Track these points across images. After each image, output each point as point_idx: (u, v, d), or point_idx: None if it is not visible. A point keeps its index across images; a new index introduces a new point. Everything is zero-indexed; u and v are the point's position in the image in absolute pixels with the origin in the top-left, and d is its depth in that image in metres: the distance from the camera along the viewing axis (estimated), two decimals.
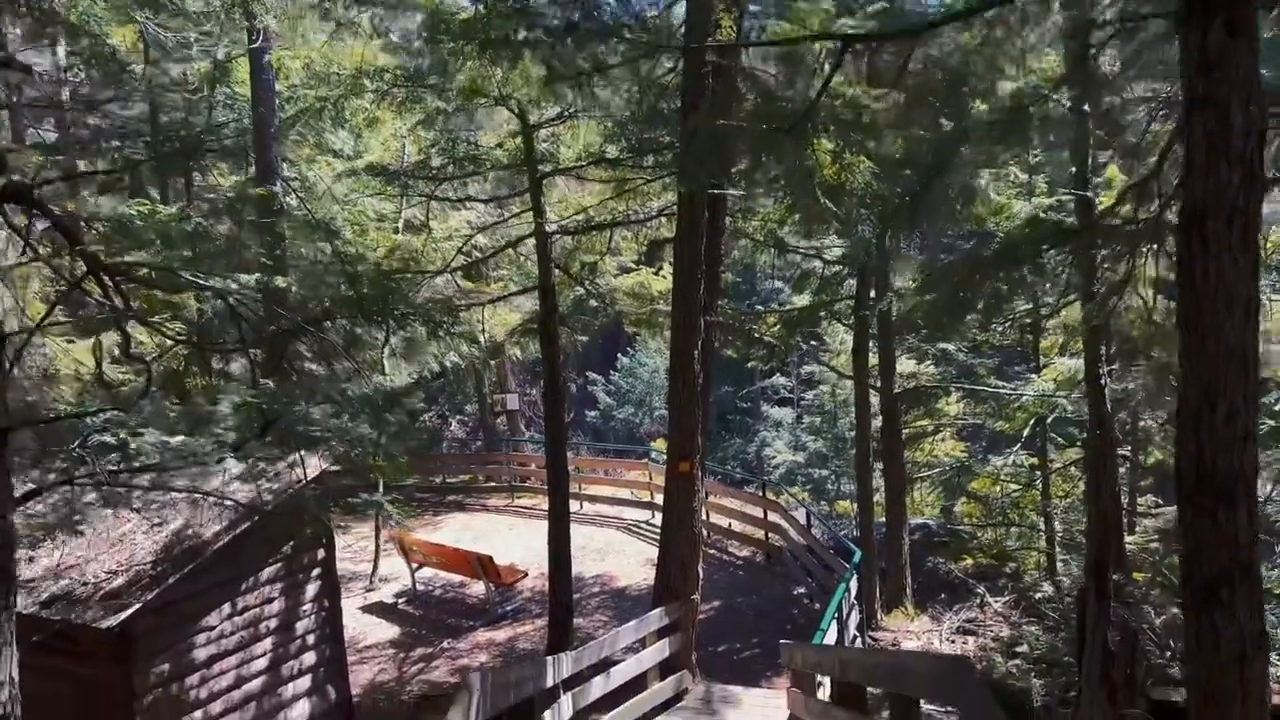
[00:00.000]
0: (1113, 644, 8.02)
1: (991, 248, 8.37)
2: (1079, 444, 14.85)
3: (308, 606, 10.68)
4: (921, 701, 4.39)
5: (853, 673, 4.94)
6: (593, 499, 19.49)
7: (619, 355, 33.26)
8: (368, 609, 14.36)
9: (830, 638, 8.80)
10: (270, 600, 10.18)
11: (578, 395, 37.26)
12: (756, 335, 12.73)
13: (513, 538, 17.58)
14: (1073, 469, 16.06)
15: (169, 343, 8.14)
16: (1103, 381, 8.53)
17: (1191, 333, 4.22)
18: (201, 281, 7.38)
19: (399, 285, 10.69)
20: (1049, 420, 14.47)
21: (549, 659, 6.16)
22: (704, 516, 13.84)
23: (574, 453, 24.78)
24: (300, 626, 10.58)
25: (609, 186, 12.12)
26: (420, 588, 14.91)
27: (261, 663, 10.04)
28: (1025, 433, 16.64)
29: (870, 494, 11.62)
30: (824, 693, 7.98)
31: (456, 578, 14.89)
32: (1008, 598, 11.95)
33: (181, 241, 8.28)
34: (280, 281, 9.40)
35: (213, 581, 9.49)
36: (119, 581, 8.86)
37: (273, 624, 10.18)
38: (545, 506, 20.45)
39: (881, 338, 11.69)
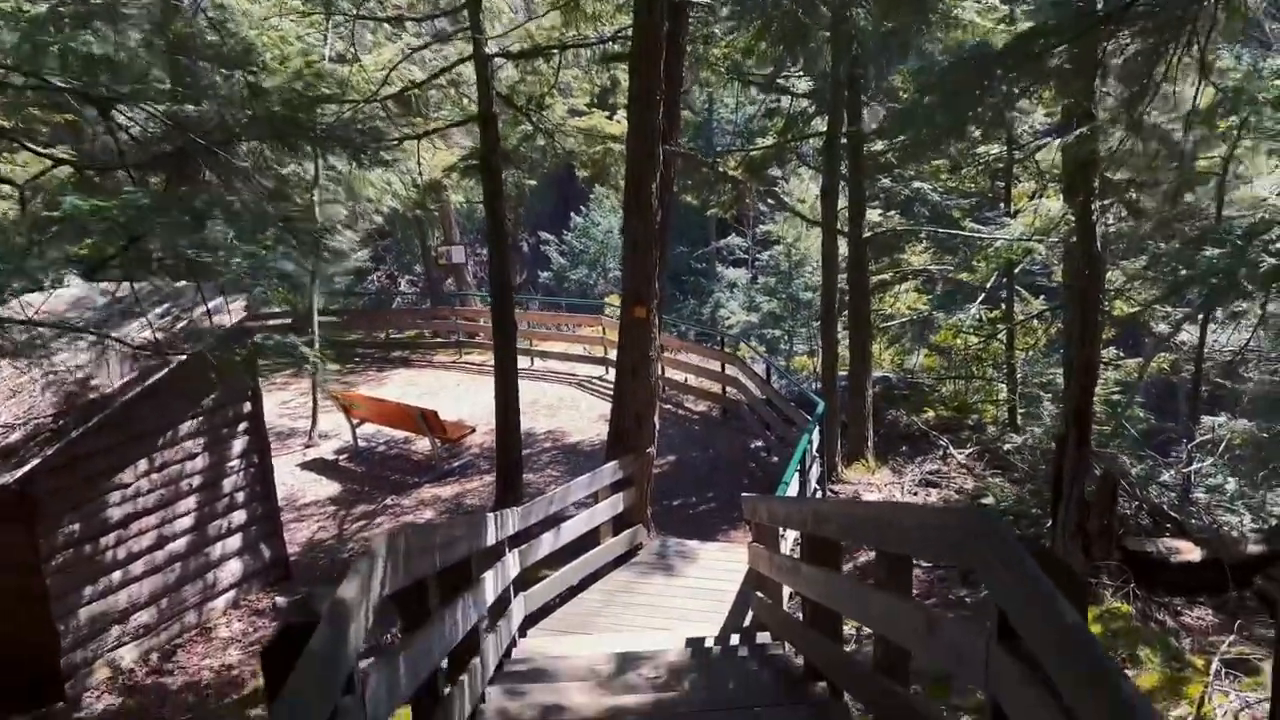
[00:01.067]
0: (1088, 494, 7.64)
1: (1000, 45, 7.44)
2: (1060, 289, 14.40)
3: (235, 463, 9.97)
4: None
5: (831, 528, 4.34)
6: (544, 355, 18.80)
7: (572, 214, 32.32)
8: (307, 466, 13.72)
9: (793, 490, 8.32)
10: (192, 456, 9.44)
11: (530, 255, 36.48)
12: (720, 170, 11.76)
13: (460, 394, 16.92)
14: (1035, 322, 15.67)
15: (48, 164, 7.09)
16: (1094, 218, 7.84)
17: None
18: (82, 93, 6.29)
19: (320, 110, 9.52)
20: (1016, 269, 13.92)
21: (490, 515, 5.52)
22: (660, 371, 13.27)
23: (525, 308, 24.00)
24: (228, 484, 9.90)
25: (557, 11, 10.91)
26: (362, 444, 14.26)
27: (186, 521, 9.38)
28: (989, 284, 16.16)
29: (834, 344, 11.04)
30: (788, 548, 7.53)
31: (400, 434, 14.25)
32: (971, 450, 11.63)
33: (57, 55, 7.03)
34: (191, 108, 8.20)
35: (125, 436, 8.70)
36: (16, 436, 8.02)
37: (196, 481, 9.48)
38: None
39: (852, 179, 10.85)
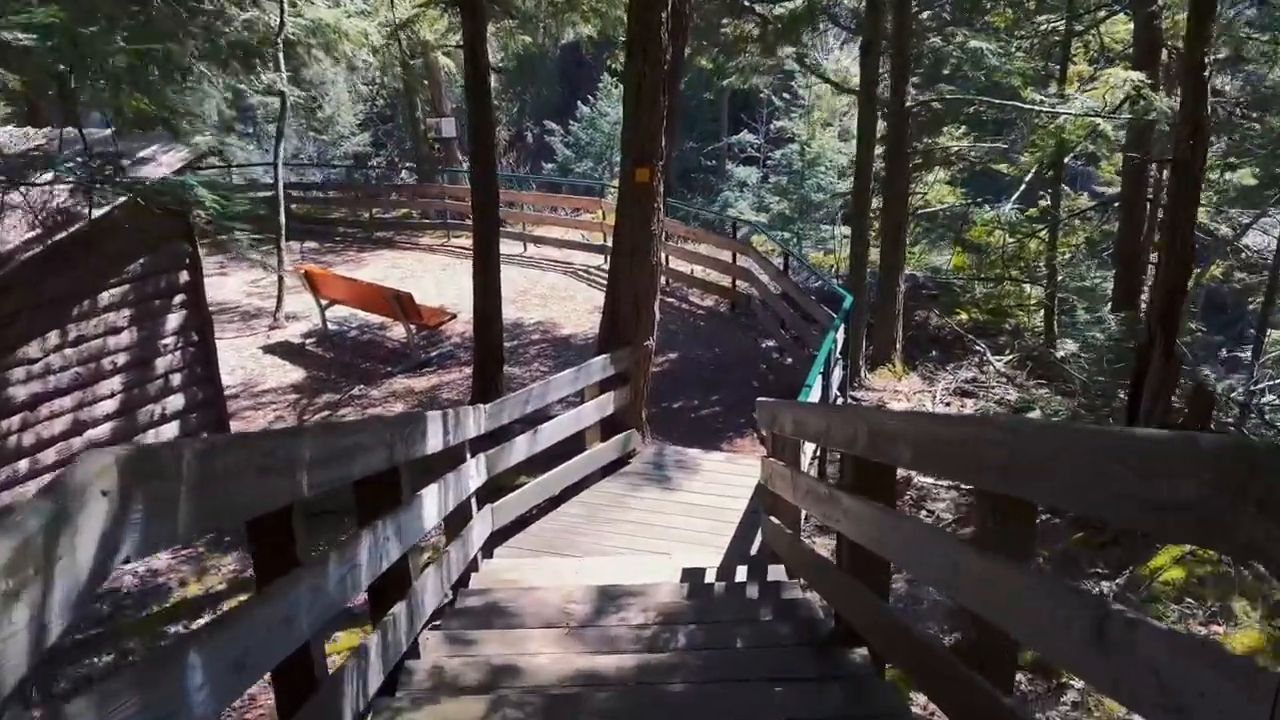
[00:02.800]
0: (1177, 412, 6.32)
1: None
2: (1105, 186, 12.85)
3: (170, 340, 8.67)
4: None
5: (899, 450, 3.03)
6: (539, 241, 17.33)
7: (578, 104, 30.77)
8: (270, 349, 12.43)
9: (815, 395, 7.02)
10: (116, 330, 8.13)
11: (534, 146, 35.89)
12: (747, 4, 10.03)
13: (445, 278, 15.53)
14: (1077, 221, 14.11)
15: None
16: (1207, 72, 6.31)
17: None
18: None
19: None
20: (1068, 157, 12.32)
21: (433, 414, 4.22)
22: (663, 257, 11.84)
23: (519, 188, 22.37)
24: (161, 364, 8.61)
25: None
26: (333, 328, 12.94)
27: (108, 405, 8.13)
28: (1029, 176, 14.57)
29: (866, 230, 9.54)
30: (807, 463, 6.29)
31: (376, 318, 12.92)
32: (1011, 357, 10.31)
33: None
34: None
35: (27, 303, 7.37)
36: None
37: (121, 359, 8.19)
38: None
39: (895, 37, 9.19)
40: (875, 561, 3.59)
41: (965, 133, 14.08)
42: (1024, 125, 10.94)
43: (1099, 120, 9.36)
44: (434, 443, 4.25)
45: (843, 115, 28.66)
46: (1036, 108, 9.15)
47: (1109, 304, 13.54)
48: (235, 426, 10.26)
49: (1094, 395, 8.34)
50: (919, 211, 13.14)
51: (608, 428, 7.47)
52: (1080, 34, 12.48)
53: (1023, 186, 16.62)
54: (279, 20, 11.89)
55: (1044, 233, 13.29)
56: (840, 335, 8.19)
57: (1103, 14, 11.98)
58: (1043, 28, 11.68)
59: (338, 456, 2.74)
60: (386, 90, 31.28)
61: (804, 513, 5.36)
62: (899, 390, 9.77)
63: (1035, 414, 8.57)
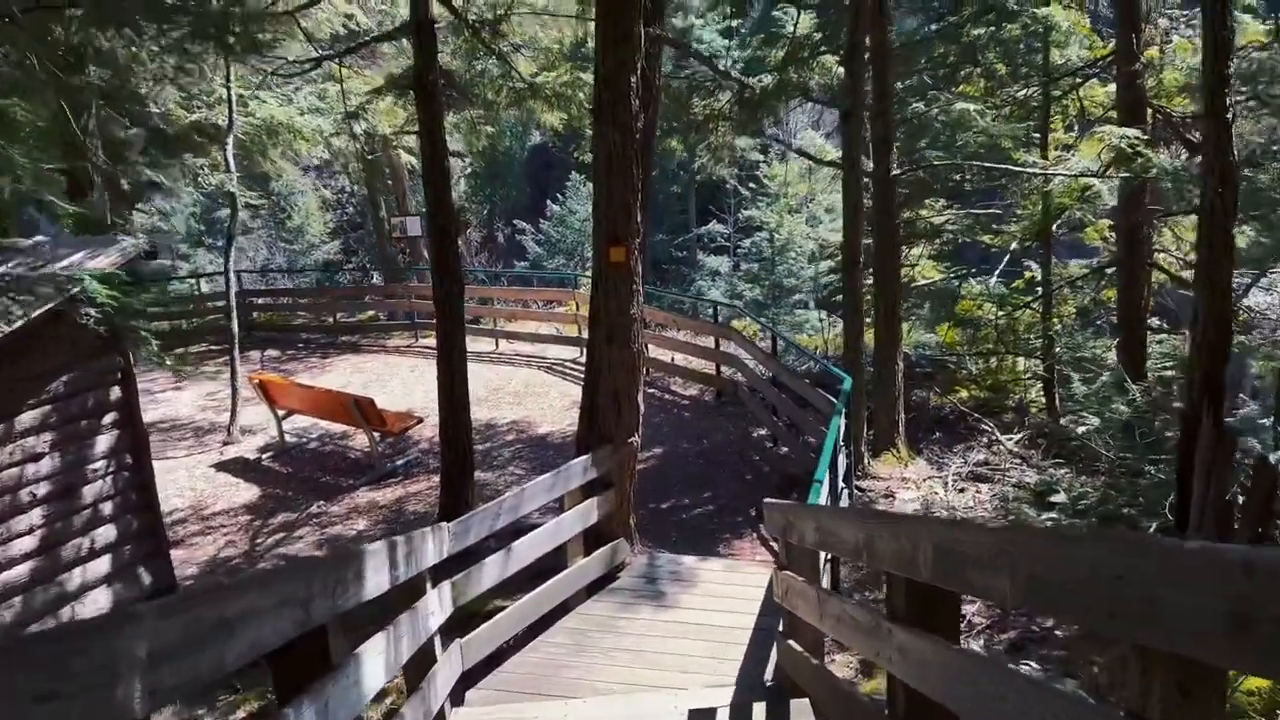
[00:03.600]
0: (1232, 490, 5.57)
1: None
2: (1097, 249, 12.39)
3: (99, 465, 7.76)
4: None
5: (997, 578, 2.24)
6: (511, 337, 16.63)
7: (548, 203, 31.59)
8: (223, 466, 11.50)
9: (824, 491, 6.22)
10: (36, 457, 7.22)
11: (505, 245, 36.01)
12: (721, 70, 9.50)
13: (413, 380, 14.73)
14: (1067, 290, 13.59)
15: None
16: (1230, 114, 5.76)
17: None
18: None
19: None
20: (1060, 221, 11.85)
21: (376, 549, 3.39)
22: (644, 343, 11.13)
23: (489, 282, 21.81)
24: (90, 492, 7.68)
25: None
26: (292, 439, 12.05)
27: (28, 542, 7.16)
28: (1014, 246, 14.15)
29: (859, 303, 8.86)
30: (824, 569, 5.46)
31: (338, 427, 12.05)
32: (1021, 435, 9.58)
33: None
34: None
35: None
36: None
37: (42, 490, 7.25)
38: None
39: (876, 102, 8.69)
40: (944, 717, 2.75)
41: (945, 205, 13.68)
42: (1015, 190, 10.47)
43: (1094, 181, 8.86)
44: (376, 583, 3.39)
45: (810, 201, 29.05)
46: (1029, 170, 8.63)
47: (1107, 373, 12.97)
48: (179, 555, 9.30)
49: (1119, 474, 7.61)
50: (911, 286, 12.59)
51: (592, 539, 6.59)
52: (1058, 99, 12.17)
53: (1006, 257, 16.23)
54: (228, 120, 11.32)
55: (1036, 303, 12.76)
56: (842, 421, 7.43)
57: (1078, 79, 11.66)
58: (1019, 94, 11.31)
59: (207, 638, 1.90)
60: (356, 198, 31.24)
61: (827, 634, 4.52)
62: (906, 478, 8.99)
63: (1059, 497, 7.79)
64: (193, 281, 23.74)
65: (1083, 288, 13.50)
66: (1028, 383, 13.52)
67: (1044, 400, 12.76)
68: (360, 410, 10.49)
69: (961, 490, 8.62)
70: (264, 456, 11.75)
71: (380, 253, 21.94)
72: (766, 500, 5.52)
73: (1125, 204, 10.55)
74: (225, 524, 10.05)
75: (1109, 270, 11.85)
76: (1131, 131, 8.68)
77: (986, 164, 10.07)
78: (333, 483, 10.84)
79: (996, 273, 16.41)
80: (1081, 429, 8.00)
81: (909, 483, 8.95)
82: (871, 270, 9.20)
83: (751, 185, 28.56)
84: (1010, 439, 9.57)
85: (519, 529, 6.02)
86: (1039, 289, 14.30)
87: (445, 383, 8.40)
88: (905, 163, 9.99)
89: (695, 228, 32.22)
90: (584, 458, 6.38)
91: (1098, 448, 7.84)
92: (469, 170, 36.91)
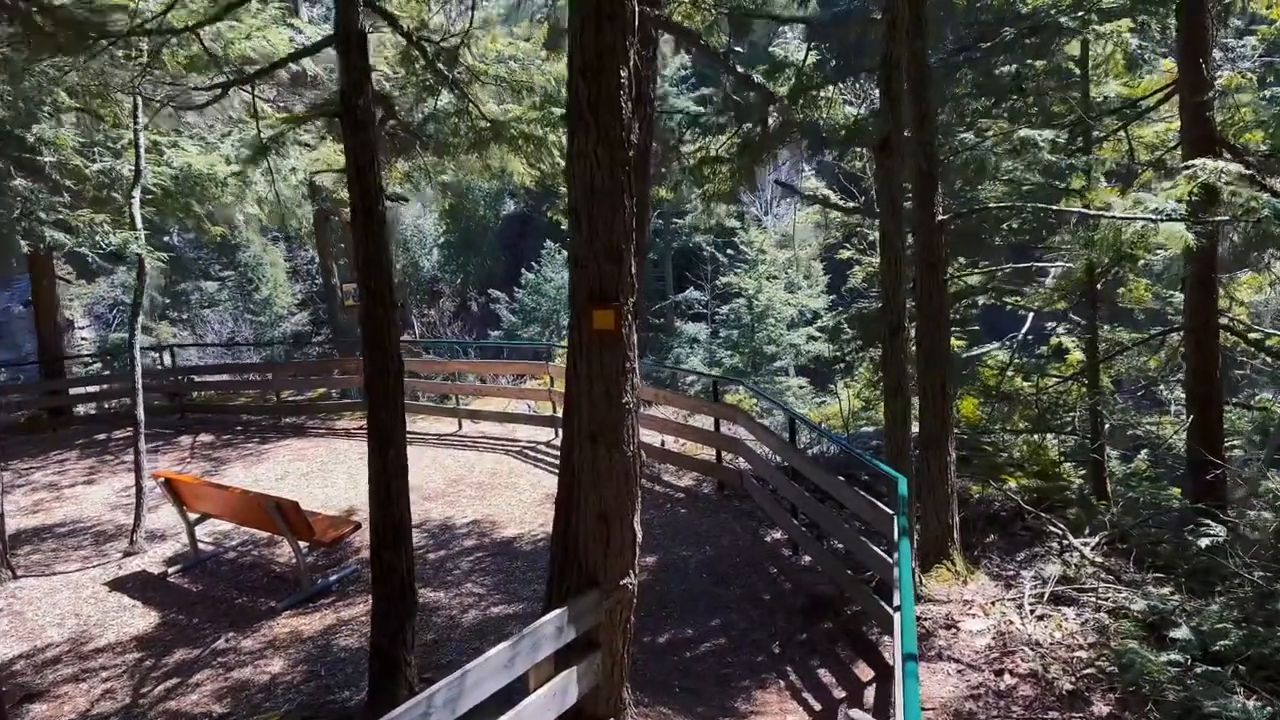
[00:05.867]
0: None
1: None
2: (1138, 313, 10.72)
3: None
4: None
5: None
6: (476, 415, 14.69)
7: (523, 271, 30.71)
8: (119, 584, 9.39)
9: (911, 638, 4.26)
10: None
11: (479, 314, 35.03)
12: (752, 80, 7.64)
13: (361, 470, 12.49)
14: (1127, 351, 11.80)
15: None
16: None
17: None
18: None
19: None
20: (1108, 274, 10.20)
21: None
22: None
23: (450, 355, 19.94)
24: None
25: None
26: (207, 548, 9.99)
27: None
28: (1038, 307, 12.52)
29: (904, 382, 6.98)
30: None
31: (264, 533, 10.00)
32: (1100, 538, 7.72)
33: None
34: None
35: None
36: None
37: None
38: (418, 427, 15.67)
39: (917, 134, 6.97)
40: None
41: (968, 263, 12.03)
42: (1063, 242, 8.75)
43: (1179, 226, 7.18)
44: None
45: (787, 268, 28.02)
46: (1105, 215, 6.95)
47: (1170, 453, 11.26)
48: (39, 712, 7.19)
49: (1265, 602, 5.77)
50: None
51: None
52: (1101, 140, 10.61)
53: (1028, 322, 14.59)
54: (134, 169, 9.50)
55: (1079, 375, 11.04)
56: (910, 541, 5.55)
57: (1128, 114, 10.12)
58: (1060, 134, 9.71)
59: None
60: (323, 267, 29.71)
61: None
62: (969, 599, 7.07)
63: (1181, 632, 5.91)
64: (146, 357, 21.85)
65: (1127, 351, 11.82)
66: (1064, 461, 11.74)
67: (1090, 485, 10.97)
68: (282, 515, 8.48)
69: (1041, 618, 6.70)
70: (170, 571, 9.66)
71: (332, 320, 20.00)
72: (849, 713, 3.58)
73: (1198, 256, 8.90)
74: (108, 665, 7.93)
75: (1178, 333, 10.16)
76: (1233, 167, 7.03)
77: (1054, 207, 8.35)
78: (249, 605, 8.75)
79: (1017, 340, 14.78)
80: (1204, 542, 6.15)
81: (973, 606, 7.03)
82: (915, 337, 7.41)
83: (729, 251, 27.75)
84: (1086, 544, 7.69)
85: None
86: (1063, 356, 12.64)
87: (378, 491, 6.45)
88: (954, 204, 8.31)
89: (672, 295, 31.56)
90: (557, 612, 4.43)
91: (1232, 565, 5.97)
92: (442, 240, 35.71)
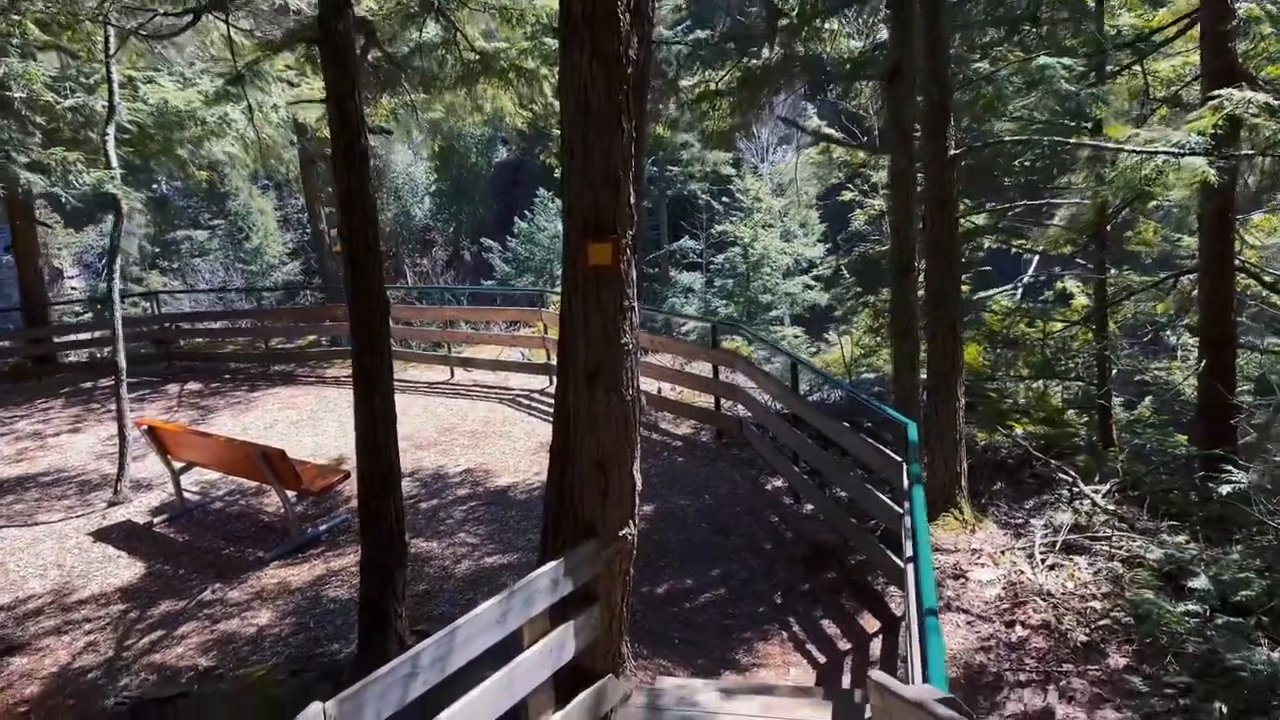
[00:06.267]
0: None
1: None
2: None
3: None
4: None
5: None
6: (469, 363, 14.42)
7: (515, 219, 30.39)
8: (103, 534, 9.17)
9: (929, 590, 4.04)
10: None
11: (472, 264, 34.83)
12: None
13: (348, 420, 12.37)
14: (1135, 295, 11.47)
15: None
16: None
17: None
18: None
19: None
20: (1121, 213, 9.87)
21: None
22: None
23: (444, 302, 19.62)
24: None
25: None
26: (194, 498, 9.76)
27: None
28: (1042, 250, 12.21)
29: (913, 324, 6.69)
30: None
31: (251, 482, 9.76)
32: (1111, 485, 7.52)
33: None
34: None
35: None
36: None
37: None
38: (409, 376, 15.38)
39: (928, 61, 6.57)
40: None
41: (975, 204, 11.68)
42: (1088, 172, 8.40)
43: (1201, 160, 6.84)
44: None
45: (782, 216, 27.61)
46: (1126, 148, 6.63)
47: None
48: (19, 667, 7.00)
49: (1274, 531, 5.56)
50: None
51: (567, 681, 4.40)
52: (1118, 72, 10.21)
53: (1033, 266, 14.30)
54: (107, 105, 9.07)
55: (1088, 319, 10.76)
56: (922, 489, 5.31)
57: (1143, 46, 9.71)
58: (1079, 63, 9.30)
59: None
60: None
61: None
62: (977, 548, 6.87)
63: (1199, 581, 5.71)
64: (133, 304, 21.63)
65: (1138, 295, 11.50)
66: (1067, 409, 11.52)
67: (1097, 433, 10.76)
68: (269, 464, 8.23)
69: (1053, 567, 6.51)
70: (156, 521, 9.43)
71: (321, 269, 19.59)
72: (874, 675, 3.34)
73: (1215, 195, 8.56)
74: (91, 617, 7.73)
75: (1190, 276, 9.86)
76: (1260, 97, 6.68)
77: (1071, 140, 7.98)
78: (236, 555, 8.55)
79: (1022, 284, 14.48)
80: (1225, 488, 5.94)
81: (982, 555, 6.83)
82: (924, 279, 7.11)
83: (724, 199, 27.38)
84: (1097, 491, 7.48)
85: (452, 691, 3.80)
86: (1068, 301, 12.32)
87: (365, 437, 6.20)
88: (966, 138, 7.93)
89: (667, 244, 31.34)
90: (553, 564, 4.19)
91: (1255, 512, 5.75)
92: (434, 188, 35.18)
